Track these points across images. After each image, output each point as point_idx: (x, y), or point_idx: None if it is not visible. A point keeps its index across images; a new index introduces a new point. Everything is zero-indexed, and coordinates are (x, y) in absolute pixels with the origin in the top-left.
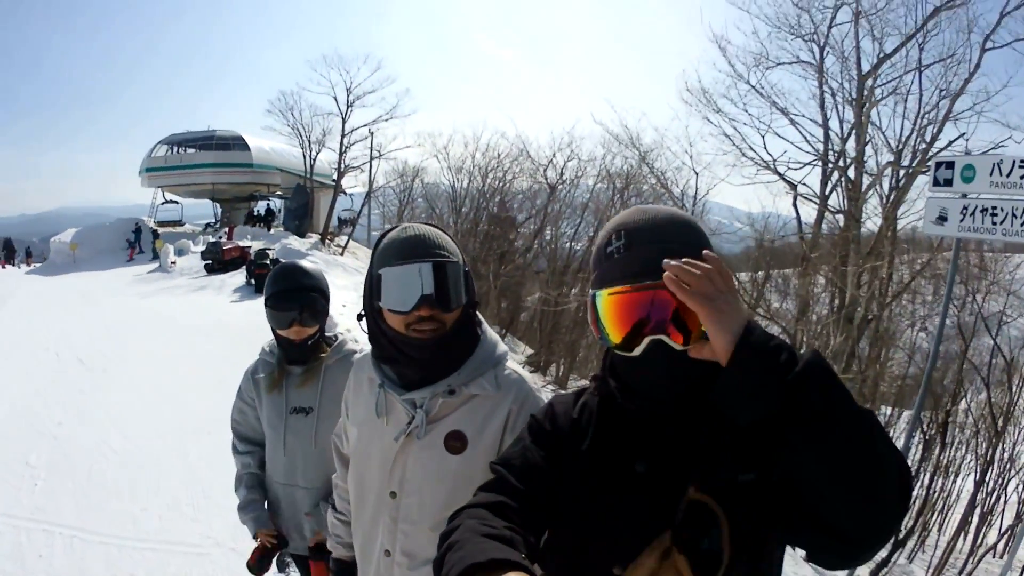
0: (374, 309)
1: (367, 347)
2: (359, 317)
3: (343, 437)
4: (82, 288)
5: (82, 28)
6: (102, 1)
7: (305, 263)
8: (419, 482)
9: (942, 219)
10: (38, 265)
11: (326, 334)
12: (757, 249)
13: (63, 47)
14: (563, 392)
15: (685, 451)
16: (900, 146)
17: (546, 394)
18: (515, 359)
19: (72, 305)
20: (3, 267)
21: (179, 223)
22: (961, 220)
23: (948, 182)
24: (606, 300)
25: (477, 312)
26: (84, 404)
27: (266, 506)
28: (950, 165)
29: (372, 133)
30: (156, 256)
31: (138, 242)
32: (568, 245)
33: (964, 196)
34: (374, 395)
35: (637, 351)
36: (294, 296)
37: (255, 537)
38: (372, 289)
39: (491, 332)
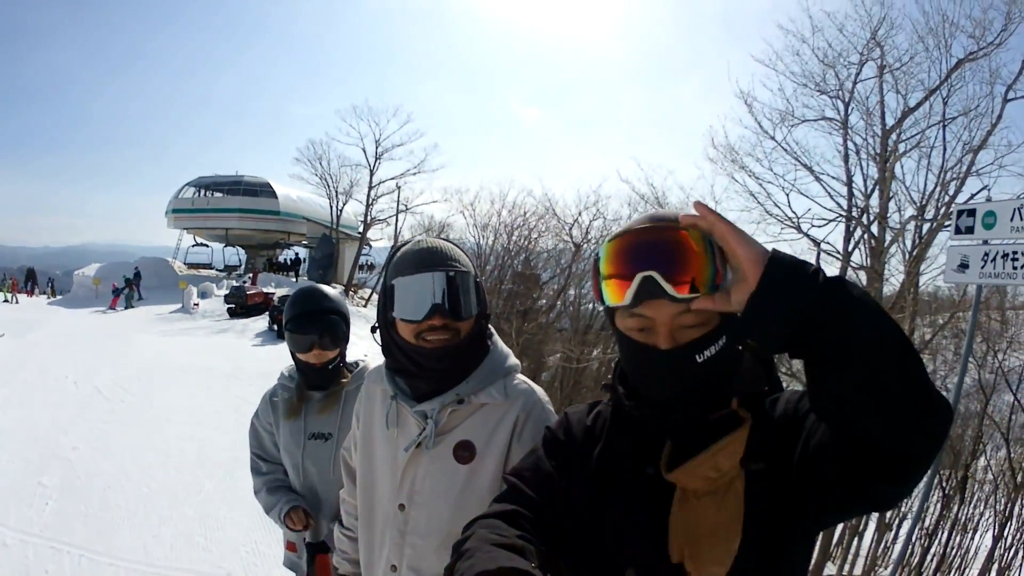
0: (387, 320)
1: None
2: (373, 329)
3: (352, 450)
4: (103, 323)
5: (113, 64)
6: (131, 39)
7: (326, 287)
8: (428, 494)
9: (963, 267)
10: (60, 297)
11: (346, 360)
12: None
13: (93, 84)
14: (578, 405)
15: (696, 452)
16: (923, 200)
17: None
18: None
19: (94, 339)
20: (28, 295)
21: (208, 266)
22: (982, 266)
23: (970, 229)
24: (607, 249)
25: (489, 324)
26: (101, 432)
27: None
28: (971, 213)
29: (399, 187)
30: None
31: (134, 287)
32: (591, 305)
33: (985, 243)
34: (385, 407)
35: (629, 293)
36: (315, 319)
37: (286, 523)
38: (385, 300)
39: (502, 345)
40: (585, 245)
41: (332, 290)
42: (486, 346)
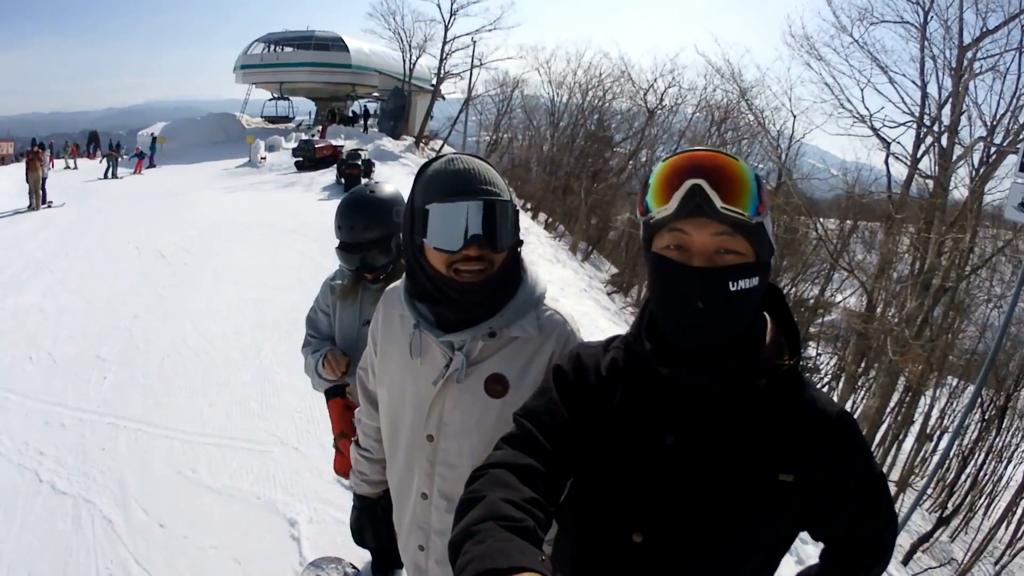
0: (415, 244)
1: None
2: (396, 247)
3: (369, 371)
4: (169, 182)
5: None
6: None
7: (380, 189)
8: (458, 426)
9: None
10: (124, 158)
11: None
12: (847, 199)
13: None
14: (590, 343)
15: (718, 429)
16: (994, 123)
17: (623, 318)
18: (599, 277)
19: (157, 199)
20: (90, 159)
21: (288, 119)
22: None
23: None
24: (659, 166)
25: (521, 252)
26: (162, 299)
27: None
28: None
29: (474, 42)
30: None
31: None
32: None
33: None
34: (407, 334)
35: (675, 198)
36: (354, 249)
37: (324, 370)
38: (414, 223)
39: (533, 271)
40: (659, 111)
41: (386, 191)
42: (519, 276)
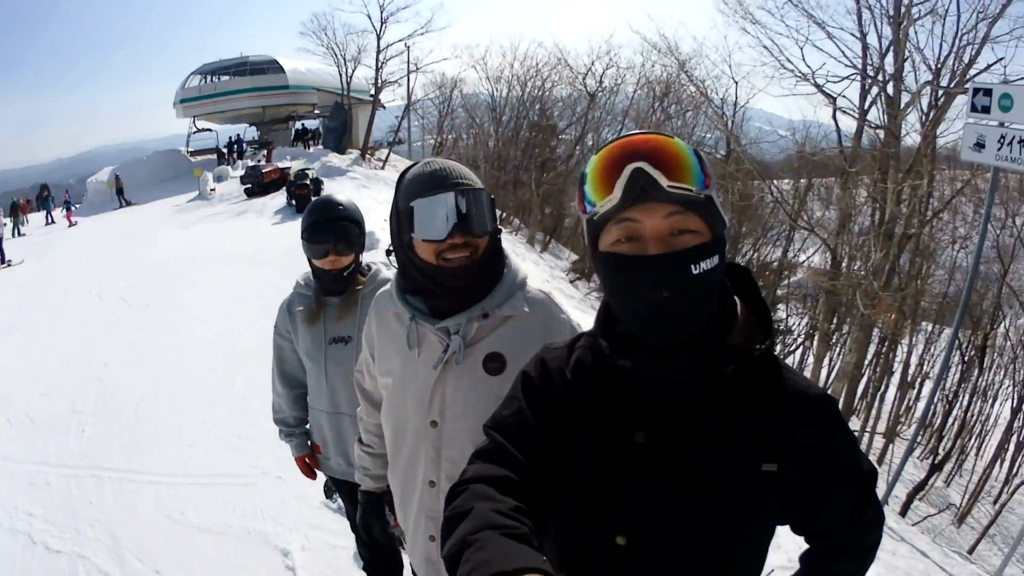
0: (403, 242)
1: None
2: (387, 252)
3: (365, 373)
4: (123, 225)
5: None
6: None
7: (339, 196)
8: (460, 407)
9: (980, 146)
10: (76, 207)
11: (361, 264)
12: (798, 159)
13: None
14: (554, 345)
15: (691, 422)
16: (939, 65)
17: (589, 304)
18: (560, 266)
19: (113, 244)
20: (47, 214)
21: (214, 150)
22: (999, 149)
23: (986, 109)
24: (594, 158)
25: (501, 238)
26: (130, 344)
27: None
28: (988, 92)
29: (408, 47)
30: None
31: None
32: None
33: (1002, 125)
34: (404, 328)
35: (618, 186)
36: (328, 227)
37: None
38: (401, 222)
39: (513, 258)
40: (600, 94)
41: (345, 198)
42: (503, 261)
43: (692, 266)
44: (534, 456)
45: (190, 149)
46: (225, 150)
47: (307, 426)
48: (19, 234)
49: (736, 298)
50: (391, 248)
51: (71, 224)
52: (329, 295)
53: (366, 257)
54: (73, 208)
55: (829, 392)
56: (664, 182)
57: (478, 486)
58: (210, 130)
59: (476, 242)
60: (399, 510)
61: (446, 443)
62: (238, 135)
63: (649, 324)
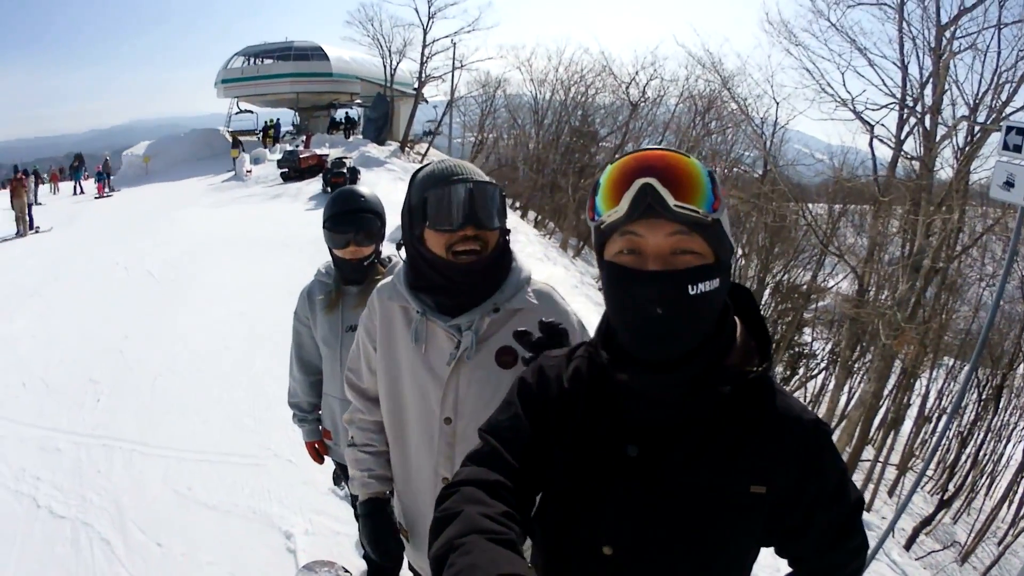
0: (414, 236)
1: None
2: (398, 246)
3: (361, 370)
4: (155, 200)
5: None
6: None
7: (362, 188)
8: (474, 402)
9: (1009, 184)
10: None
11: (380, 255)
12: (833, 184)
13: None
14: (553, 353)
15: (683, 439)
16: (976, 101)
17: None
18: (590, 273)
19: (143, 218)
20: (78, 184)
21: (255, 132)
22: None
23: (1018, 148)
24: (609, 171)
25: (509, 237)
26: (151, 319)
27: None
28: (1021, 131)
29: (454, 44)
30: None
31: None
32: None
33: None
34: (410, 323)
35: (625, 198)
36: (350, 218)
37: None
38: (413, 216)
39: (520, 256)
40: (642, 104)
41: (368, 190)
42: (511, 258)
43: (690, 287)
44: (527, 462)
45: (230, 129)
46: (260, 133)
47: (320, 412)
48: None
49: (736, 319)
50: (402, 242)
51: (100, 196)
52: (349, 284)
53: (386, 249)
54: (104, 180)
55: (837, 418)
56: (671, 201)
57: (469, 489)
58: (251, 111)
59: (486, 236)
60: (405, 508)
61: (460, 439)
62: (277, 119)
63: (640, 338)
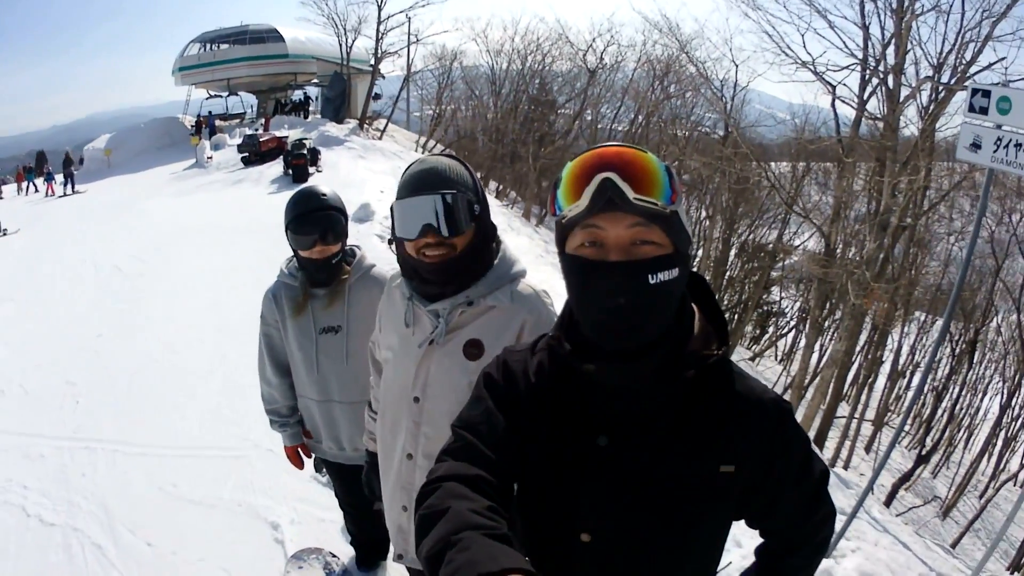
0: (395, 235)
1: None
2: (389, 242)
3: (377, 343)
4: (118, 194)
5: None
6: None
7: (321, 187)
8: (440, 386)
9: (976, 146)
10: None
11: (347, 251)
12: (797, 143)
13: None
14: (515, 348)
15: (651, 425)
16: (940, 60)
17: None
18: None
19: (108, 213)
20: (47, 192)
21: (224, 116)
22: (995, 151)
23: (984, 110)
24: (569, 167)
25: (497, 236)
26: (123, 315)
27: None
28: (986, 93)
29: (409, 19)
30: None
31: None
32: (609, 127)
33: (999, 127)
34: (404, 307)
35: (586, 193)
36: (314, 217)
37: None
38: (391, 219)
39: (511, 253)
40: (600, 70)
41: (327, 188)
42: (489, 257)
43: (650, 276)
44: (503, 455)
45: (201, 115)
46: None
47: (299, 415)
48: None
49: (693, 306)
50: (391, 239)
51: (52, 194)
52: (316, 286)
53: (362, 229)
54: (53, 179)
55: (810, 376)
56: (631, 194)
57: (451, 484)
58: (220, 96)
59: (451, 241)
60: (381, 477)
61: (426, 419)
62: (209, 111)
63: (604, 328)
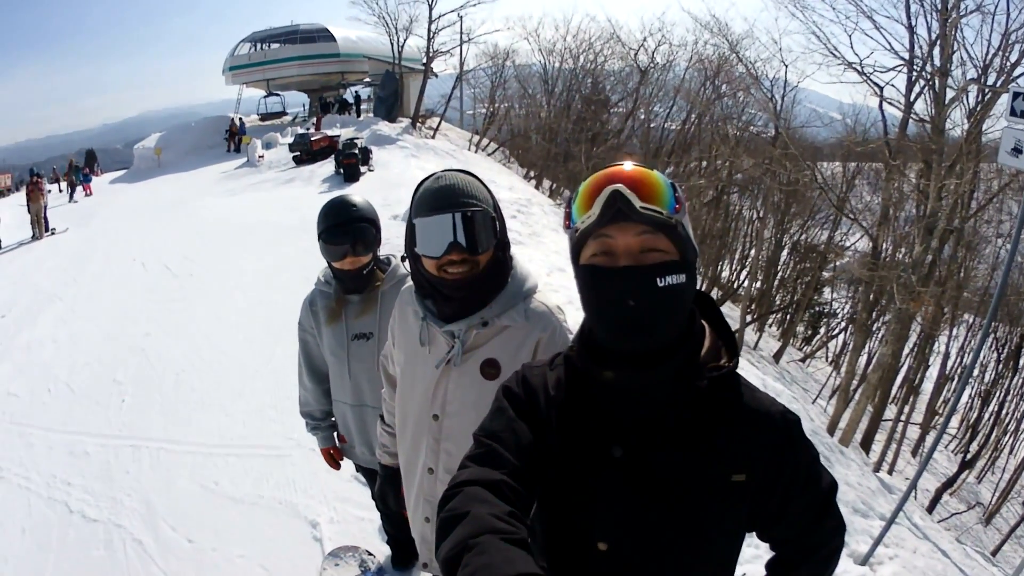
0: (412, 252)
1: None
2: (402, 259)
3: (389, 358)
4: (168, 193)
5: None
6: None
7: (353, 196)
8: (459, 405)
9: (1017, 151)
10: (122, 173)
11: (380, 260)
12: (846, 144)
13: None
14: (534, 364)
15: (665, 436)
16: (985, 63)
17: None
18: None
19: (158, 212)
20: (86, 192)
21: (282, 114)
22: None
23: None
24: (583, 185)
25: (510, 252)
26: (172, 314)
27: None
28: None
29: (461, 17)
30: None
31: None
32: (661, 127)
33: None
34: (418, 326)
35: (596, 203)
36: (345, 229)
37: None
38: (408, 236)
39: (523, 267)
40: (652, 70)
41: (360, 198)
42: (506, 273)
43: (658, 279)
44: (526, 462)
45: (259, 114)
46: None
47: (333, 419)
48: (72, 200)
49: (703, 323)
50: (405, 256)
51: (87, 194)
52: (349, 293)
53: (388, 248)
54: (92, 179)
55: (857, 380)
56: (637, 203)
57: (473, 488)
58: (278, 95)
59: (474, 259)
60: (404, 489)
61: (445, 435)
62: (240, 117)
63: (616, 330)
